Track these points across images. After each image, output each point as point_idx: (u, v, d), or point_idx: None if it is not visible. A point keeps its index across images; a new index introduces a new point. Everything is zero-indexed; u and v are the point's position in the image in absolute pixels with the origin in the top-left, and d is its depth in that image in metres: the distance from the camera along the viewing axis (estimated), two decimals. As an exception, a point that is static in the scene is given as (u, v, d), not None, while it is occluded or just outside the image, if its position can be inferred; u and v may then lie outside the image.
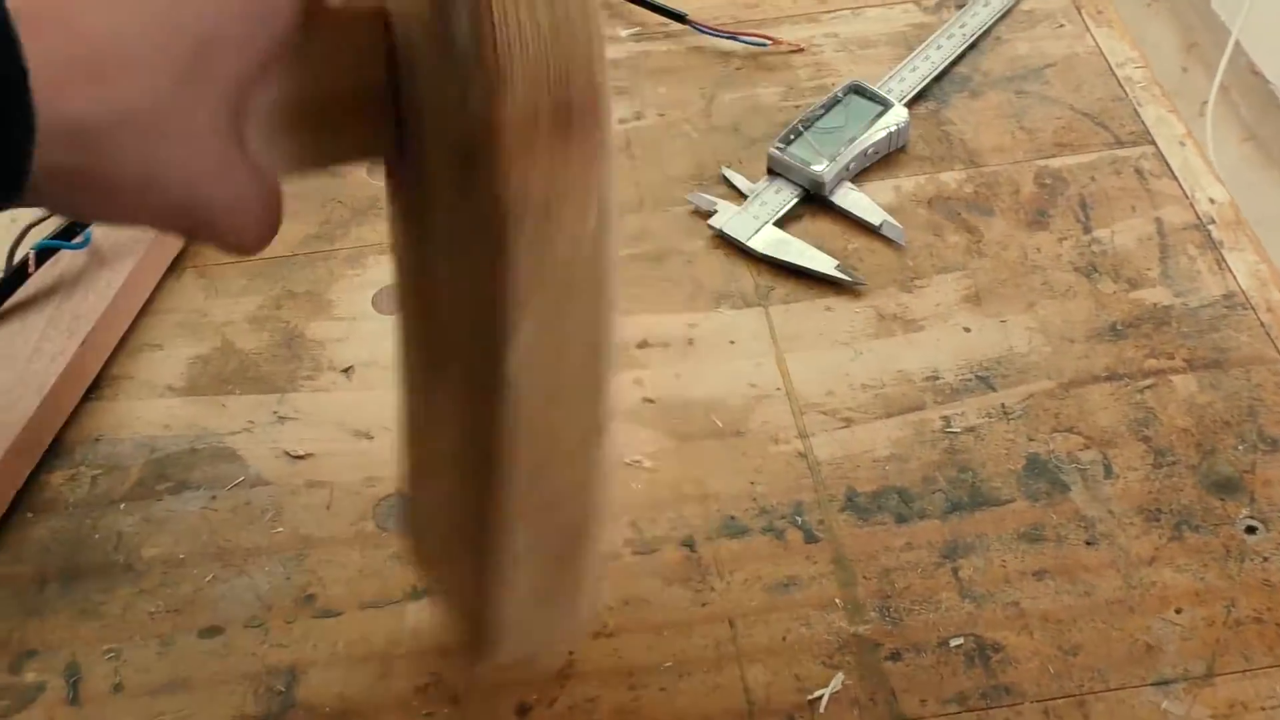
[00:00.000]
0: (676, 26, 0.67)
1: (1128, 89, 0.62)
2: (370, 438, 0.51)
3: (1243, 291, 0.54)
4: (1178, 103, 0.62)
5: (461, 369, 0.32)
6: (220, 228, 0.31)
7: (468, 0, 0.25)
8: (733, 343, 0.54)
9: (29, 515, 0.49)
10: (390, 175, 0.35)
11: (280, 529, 0.49)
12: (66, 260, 0.54)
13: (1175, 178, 0.58)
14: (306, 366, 0.54)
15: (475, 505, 0.32)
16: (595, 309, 0.29)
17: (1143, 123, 0.61)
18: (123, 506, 0.50)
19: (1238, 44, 1.56)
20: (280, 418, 0.52)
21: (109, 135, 0.27)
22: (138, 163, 0.28)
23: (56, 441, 0.51)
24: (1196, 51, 1.87)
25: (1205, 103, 1.63)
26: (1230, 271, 0.54)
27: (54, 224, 0.54)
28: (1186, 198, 0.57)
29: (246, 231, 0.32)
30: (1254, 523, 0.47)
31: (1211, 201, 0.57)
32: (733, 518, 0.48)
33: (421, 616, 0.46)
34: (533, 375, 0.29)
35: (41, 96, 0.25)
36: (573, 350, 0.30)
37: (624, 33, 0.68)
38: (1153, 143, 0.60)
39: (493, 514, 0.31)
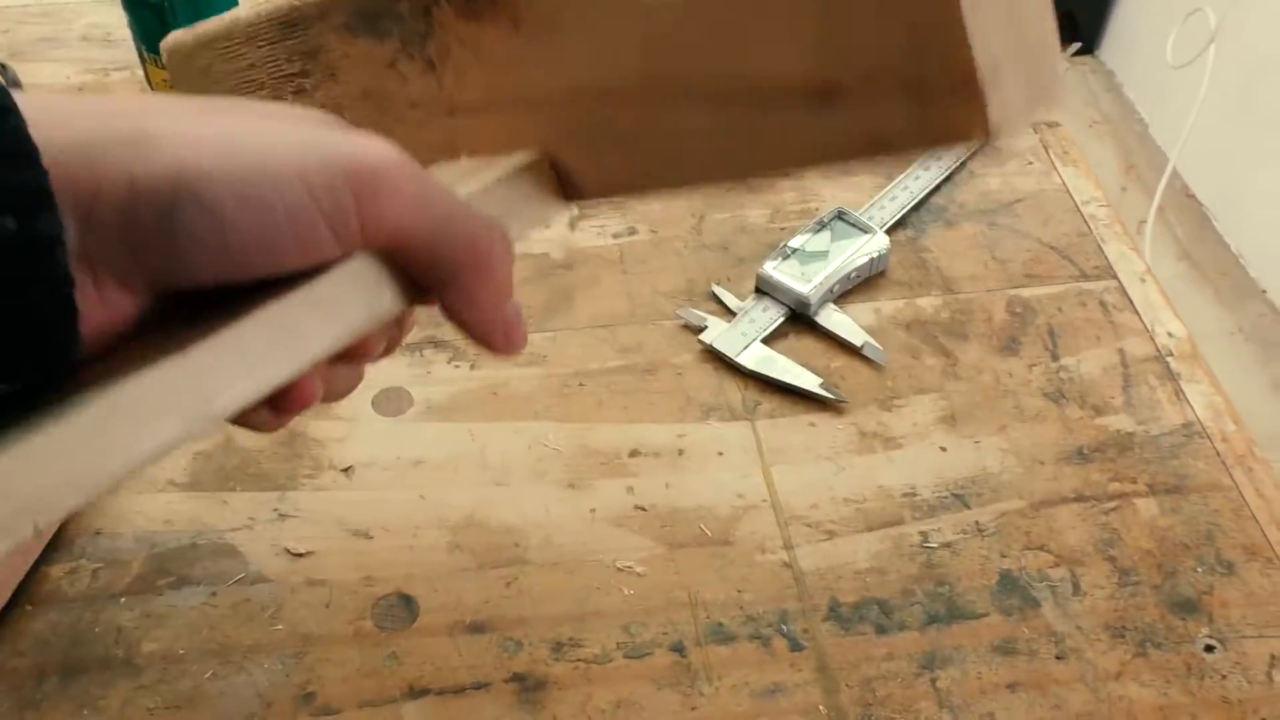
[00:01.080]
0: (668, 148, 0.70)
1: (1092, 225, 0.67)
2: (369, 537, 0.53)
3: (1200, 421, 0.57)
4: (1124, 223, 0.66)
5: None
6: (380, 174, 0.29)
7: None
8: (721, 454, 0.56)
9: (28, 608, 0.50)
10: None
11: (280, 626, 0.50)
12: (75, 354, 0.55)
13: (1136, 311, 0.62)
14: (307, 465, 0.55)
15: None
16: None
17: (1106, 258, 0.65)
18: (123, 601, 0.50)
19: (1174, 168, 1.65)
20: (281, 515, 0.53)
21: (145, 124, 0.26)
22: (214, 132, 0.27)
23: (57, 535, 0.52)
24: (1135, 173, 1.96)
25: (1143, 222, 1.71)
26: (1188, 402, 0.58)
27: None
28: (1147, 330, 0.61)
29: (410, 182, 0.29)
30: (1212, 642, 0.50)
31: (1170, 335, 0.61)
32: (721, 624, 0.50)
33: (418, 717, 0.47)
34: None
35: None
36: None
37: (618, 151, 0.71)
38: (1115, 277, 0.64)
39: None
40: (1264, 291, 1.73)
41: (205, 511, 0.53)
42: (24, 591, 0.50)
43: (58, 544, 0.52)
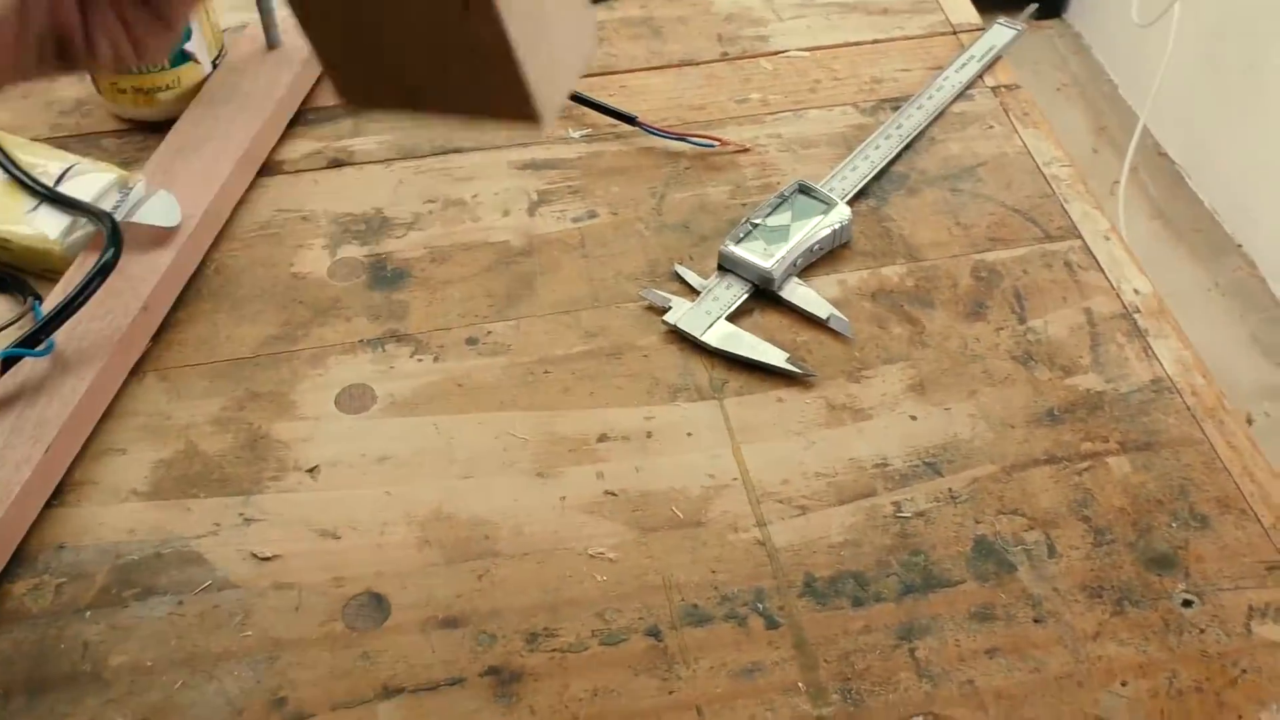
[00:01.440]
0: (626, 128, 0.69)
1: (1055, 186, 0.66)
2: (337, 537, 0.52)
3: (1168, 377, 0.57)
4: (1089, 183, 0.66)
5: None
6: None
7: None
8: (690, 435, 0.55)
9: (-8, 625, 0.49)
10: None
11: (249, 632, 0.49)
12: (29, 367, 0.54)
13: (1102, 270, 0.62)
14: (271, 467, 0.54)
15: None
16: None
17: (1070, 218, 0.64)
18: (88, 615, 0.50)
19: (1145, 127, 1.64)
20: (246, 519, 0.53)
21: None
22: None
23: (19, 550, 0.51)
24: (1106, 134, 1.96)
25: (1116, 183, 1.71)
26: (1156, 358, 0.58)
27: (17, 332, 0.55)
28: (1113, 288, 0.61)
29: None
30: (1189, 596, 0.49)
31: (1136, 292, 0.61)
32: (696, 606, 0.49)
33: (393, 715, 0.46)
34: None
35: None
36: None
37: (576, 134, 0.70)
38: (1080, 237, 0.63)
39: None
40: (1239, 246, 1.73)
41: (169, 520, 0.53)
42: (-13, 610, 0.49)
43: (20, 560, 0.51)
